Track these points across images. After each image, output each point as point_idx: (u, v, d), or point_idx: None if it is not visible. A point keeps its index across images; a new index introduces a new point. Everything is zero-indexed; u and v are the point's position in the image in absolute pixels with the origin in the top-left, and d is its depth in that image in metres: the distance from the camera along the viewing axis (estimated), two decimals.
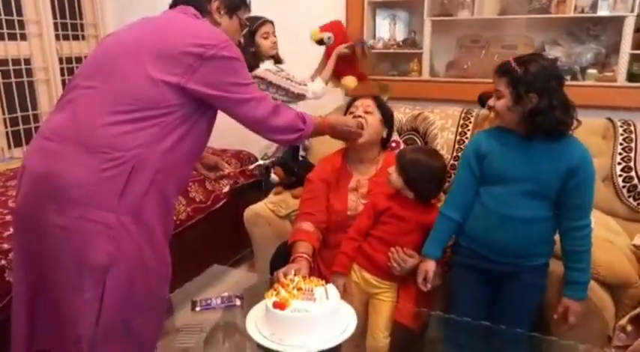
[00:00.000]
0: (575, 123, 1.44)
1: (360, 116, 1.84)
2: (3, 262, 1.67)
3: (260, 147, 2.53)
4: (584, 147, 1.47)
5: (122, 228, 1.27)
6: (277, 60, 2.40)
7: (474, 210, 1.55)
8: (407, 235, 1.65)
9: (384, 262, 1.64)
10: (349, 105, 1.97)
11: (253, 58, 2.26)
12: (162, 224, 1.40)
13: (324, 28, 2.41)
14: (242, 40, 1.58)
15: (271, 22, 2.33)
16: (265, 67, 2.31)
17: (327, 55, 2.45)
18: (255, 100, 1.40)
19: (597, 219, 1.96)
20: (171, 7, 1.48)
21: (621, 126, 2.22)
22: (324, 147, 2.24)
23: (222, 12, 1.47)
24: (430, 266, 1.58)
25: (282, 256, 1.92)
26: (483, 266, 1.53)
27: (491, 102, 1.50)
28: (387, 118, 1.92)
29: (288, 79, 2.30)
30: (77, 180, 1.25)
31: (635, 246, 1.82)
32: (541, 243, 1.50)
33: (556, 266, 1.56)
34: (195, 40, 1.30)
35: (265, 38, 2.29)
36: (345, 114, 1.94)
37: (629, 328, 1.58)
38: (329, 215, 1.84)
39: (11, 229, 1.79)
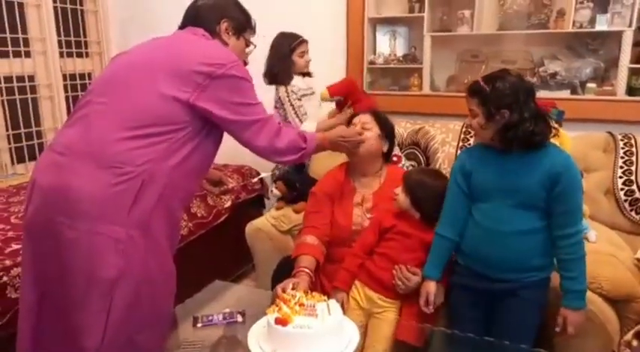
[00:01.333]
0: (552, 131, 1.47)
1: None
2: (5, 279, 1.66)
3: (268, 163, 2.56)
4: (565, 155, 1.48)
5: (131, 242, 1.29)
6: (306, 74, 2.49)
7: (468, 228, 1.56)
8: (410, 252, 1.65)
9: (388, 279, 1.64)
10: (348, 123, 1.98)
11: (287, 73, 2.38)
12: (169, 238, 1.42)
13: (332, 90, 2.36)
14: (247, 60, 1.62)
15: (307, 41, 2.44)
16: (293, 83, 2.41)
17: (338, 108, 2.45)
18: (260, 122, 1.43)
19: (600, 233, 1.96)
20: (181, 28, 1.52)
21: (622, 140, 2.22)
22: (327, 163, 2.24)
23: (230, 33, 1.51)
24: (431, 287, 1.58)
25: (284, 271, 1.91)
26: (482, 286, 1.53)
27: (468, 121, 1.54)
28: (388, 132, 1.93)
29: (292, 106, 2.38)
30: (88, 194, 1.26)
31: (638, 259, 1.81)
32: (538, 256, 1.48)
33: (556, 280, 1.55)
34: (206, 60, 1.34)
35: (301, 57, 2.41)
36: None
37: (634, 343, 1.56)
38: (333, 230, 1.83)
39: (13, 245, 1.80)
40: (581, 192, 1.49)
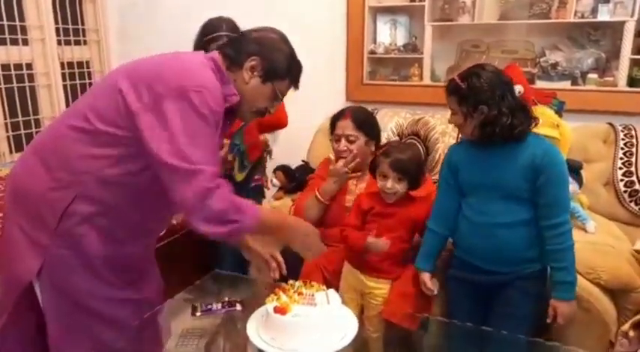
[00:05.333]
0: (534, 121, 1.48)
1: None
2: None
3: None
4: (547, 145, 1.48)
5: (54, 251, 1.27)
6: None
7: (460, 222, 1.57)
8: (392, 231, 1.67)
9: (373, 261, 1.68)
10: (333, 125, 1.99)
11: None
12: (110, 258, 1.32)
13: None
14: (271, 110, 1.41)
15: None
16: None
17: None
18: (194, 171, 1.15)
19: (599, 224, 1.96)
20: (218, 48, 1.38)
21: (622, 131, 2.22)
22: (326, 152, 2.24)
23: (255, 73, 1.31)
24: (425, 278, 1.63)
25: (285, 262, 1.91)
26: (478, 279, 1.54)
27: (450, 118, 1.54)
28: (373, 135, 1.96)
29: None
30: (26, 193, 1.28)
31: (636, 251, 1.81)
32: (529, 248, 1.49)
33: None
34: (169, 78, 1.19)
35: None
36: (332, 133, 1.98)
37: (631, 333, 1.57)
38: (327, 208, 1.90)
39: None
40: (566, 181, 1.50)
